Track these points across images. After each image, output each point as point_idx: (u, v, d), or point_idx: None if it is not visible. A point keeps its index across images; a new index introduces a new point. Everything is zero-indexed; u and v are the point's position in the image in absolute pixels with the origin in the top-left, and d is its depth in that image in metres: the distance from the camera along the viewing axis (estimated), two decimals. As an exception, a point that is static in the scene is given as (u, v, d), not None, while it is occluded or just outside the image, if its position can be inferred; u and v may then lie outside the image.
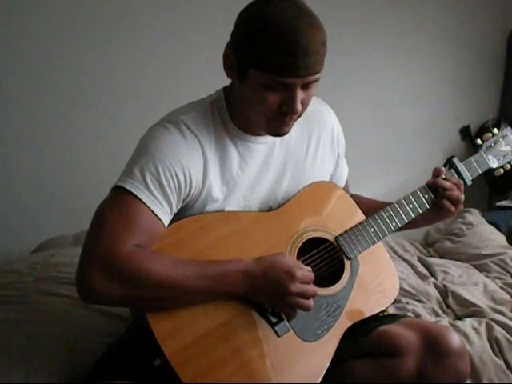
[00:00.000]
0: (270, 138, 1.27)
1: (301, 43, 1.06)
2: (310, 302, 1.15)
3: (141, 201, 1.10)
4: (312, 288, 1.16)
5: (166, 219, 1.13)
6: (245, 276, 1.12)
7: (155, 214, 1.11)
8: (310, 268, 1.19)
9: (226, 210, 1.22)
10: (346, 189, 1.46)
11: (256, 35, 1.08)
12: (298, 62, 1.07)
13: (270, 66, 1.08)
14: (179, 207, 1.17)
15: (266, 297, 1.15)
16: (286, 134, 1.20)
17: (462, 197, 1.35)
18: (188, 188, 1.16)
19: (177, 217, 1.18)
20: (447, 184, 1.34)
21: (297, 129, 1.29)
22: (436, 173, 1.39)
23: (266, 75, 1.09)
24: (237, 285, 1.12)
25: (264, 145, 1.27)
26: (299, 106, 1.13)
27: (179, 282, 1.08)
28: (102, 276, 1.04)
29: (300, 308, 1.15)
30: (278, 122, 1.17)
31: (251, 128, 1.23)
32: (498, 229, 2.39)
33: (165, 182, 1.12)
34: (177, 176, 1.13)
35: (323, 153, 1.37)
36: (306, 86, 1.13)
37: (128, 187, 1.10)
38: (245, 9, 1.13)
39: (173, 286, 1.08)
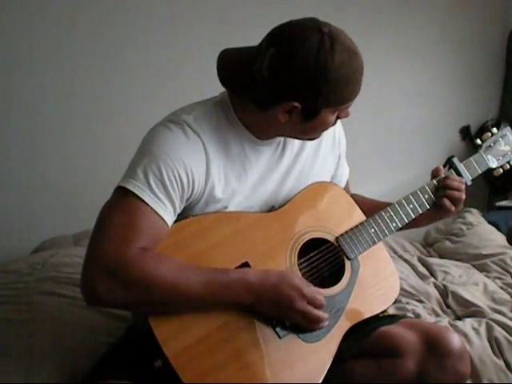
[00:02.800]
0: (274, 140, 1.27)
1: (362, 65, 1.16)
2: (314, 325, 1.16)
3: (144, 202, 1.09)
4: (316, 312, 1.15)
5: (170, 219, 1.13)
6: (250, 288, 1.11)
7: (159, 215, 1.10)
8: (320, 293, 1.18)
9: (228, 209, 1.22)
10: (346, 189, 1.46)
11: (331, 84, 1.11)
12: (360, 83, 1.17)
13: (346, 98, 1.16)
14: (182, 207, 1.17)
15: (271, 310, 1.14)
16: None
17: (463, 197, 1.35)
18: (191, 188, 1.15)
19: (179, 217, 1.17)
20: (455, 184, 1.34)
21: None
22: (435, 172, 1.39)
23: (339, 107, 1.18)
24: (241, 296, 1.11)
25: (268, 146, 1.27)
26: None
27: (183, 289, 1.08)
28: (105, 279, 1.04)
29: (303, 326, 1.16)
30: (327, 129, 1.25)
31: (263, 133, 1.24)
32: (498, 229, 2.39)
33: (168, 183, 1.12)
34: (179, 176, 1.13)
35: (324, 153, 1.37)
36: None
37: (131, 188, 1.10)
38: (300, 60, 1.10)
39: (176, 292, 1.07)
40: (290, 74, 1.11)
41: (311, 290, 1.15)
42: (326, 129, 1.24)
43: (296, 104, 1.13)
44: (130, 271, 1.05)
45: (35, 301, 1.58)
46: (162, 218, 1.11)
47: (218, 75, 1.19)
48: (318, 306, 1.15)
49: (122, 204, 1.10)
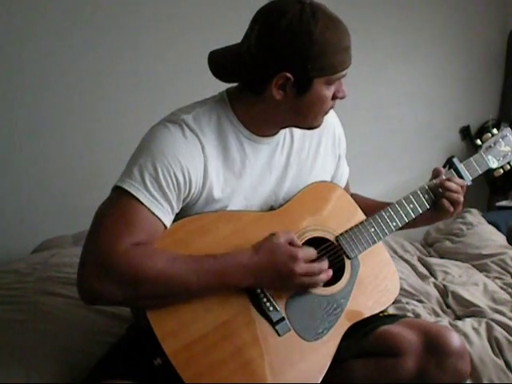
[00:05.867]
0: (273, 139, 1.27)
1: (348, 34, 1.17)
2: (319, 278, 1.17)
3: (139, 201, 1.10)
4: (316, 265, 1.17)
5: (167, 219, 1.13)
6: (245, 268, 1.12)
7: (155, 215, 1.11)
8: (312, 250, 1.20)
9: (228, 209, 1.22)
10: (346, 189, 1.46)
11: (318, 48, 1.12)
12: (350, 52, 1.18)
13: (336, 66, 1.16)
14: (180, 206, 1.17)
15: (273, 284, 1.15)
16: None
17: (462, 198, 1.35)
18: (188, 188, 1.16)
19: (179, 216, 1.17)
20: (453, 186, 1.34)
21: (299, 130, 1.30)
22: (436, 173, 1.39)
23: (331, 76, 1.16)
24: (238, 278, 1.12)
25: (267, 145, 1.27)
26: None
27: (177, 279, 1.08)
28: (100, 276, 1.04)
29: (311, 286, 1.18)
30: (327, 113, 1.24)
31: (262, 130, 1.24)
32: (498, 229, 2.39)
33: (163, 183, 1.12)
34: (176, 176, 1.13)
35: (324, 153, 1.37)
36: None
37: (127, 188, 1.10)
38: (283, 30, 1.12)
39: (170, 282, 1.07)
40: (276, 44, 1.12)
41: (302, 250, 1.17)
42: (325, 109, 1.22)
43: (288, 75, 1.13)
44: (122, 266, 1.05)
45: (35, 301, 1.58)
46: (158, 218, 1.11)
47: (211, 69, 1.20)
48: (314, 259, 1.18)
49: (118, 203, 1.11)
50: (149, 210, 1.10)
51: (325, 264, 1.19)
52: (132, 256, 1.06)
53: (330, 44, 1.13)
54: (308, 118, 1.23)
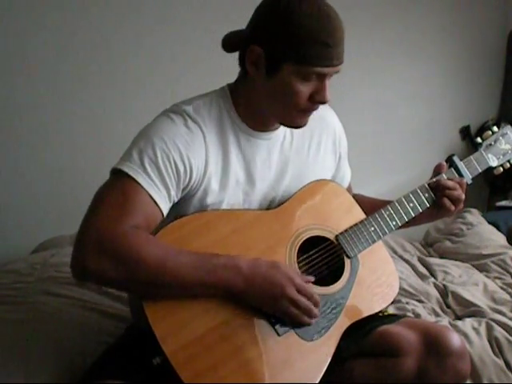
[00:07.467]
0: (272, 135, 1.27)
1: (336, 33, 1.13)
2: (303, 317, 1.15)
3: (138, 183, 1.10)
4: (306, 302, 1.14)
5: (164, 205, 1.13)
6: (238, 272, 1.11)
7: (152, 198, 1.11)
8: (310, 279, 1.19)
9: (226, 203, 1.22)
10: (348, 191, 1.45)
11: (292, 29, 1.10)
12: (333, 52, 1.12)
13: (308, 58, 1.11)
14: (179, 196, 1.17)
15: (261, 298, 1.13)
16: (305, 125, 1.23)
17: (463, 196, 1.35)
18: (188, 177, 1.16)
19: (177, 208, 1.18)
20: (450, 184, 1.34)
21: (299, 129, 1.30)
22: (437, 169, 1.39)
23: (302, 67, 1.13)
24: (229, 280, 1.10)
25: (266, 141, 1.27)
26: (329, 95, 1.17)
27: (171, 269, 1.07)
28: (95, 253, 1.04)
29: (292, 317, 1.14)
30: (304, 113, 1.20)
31: (258, 123, 1.24)
32: (498, 229, 2.40)
33: (162, 167, 1.12)
34: (175, 163, 1.13)
35: (324, 152, 1.37)
36: (329, 77, 1.17)
37: (126, 169, 1.11)
38: (270, 2, 1.14)
39: (165, 271, 1.07)
40: (256, 15, 1.16)
41: (303, 280, 1.15)
42: (299, 106, 1.17)
43: (258, 48, 1.13)
44: (120, 246, 1.05)
45: (35, 301, 1.58)
46: (156, 202, 1.11)
47: (222, 44, 1.24)
48: (309, 297, 1.15)
49: (116, 185, 1.11)
50: (147, 192, 1.10)
51: (315, 310, 1.15)
52: (130, 238, 1.06)
53: (306, 31, 1.10)
54: (282, 110, 1.20)
